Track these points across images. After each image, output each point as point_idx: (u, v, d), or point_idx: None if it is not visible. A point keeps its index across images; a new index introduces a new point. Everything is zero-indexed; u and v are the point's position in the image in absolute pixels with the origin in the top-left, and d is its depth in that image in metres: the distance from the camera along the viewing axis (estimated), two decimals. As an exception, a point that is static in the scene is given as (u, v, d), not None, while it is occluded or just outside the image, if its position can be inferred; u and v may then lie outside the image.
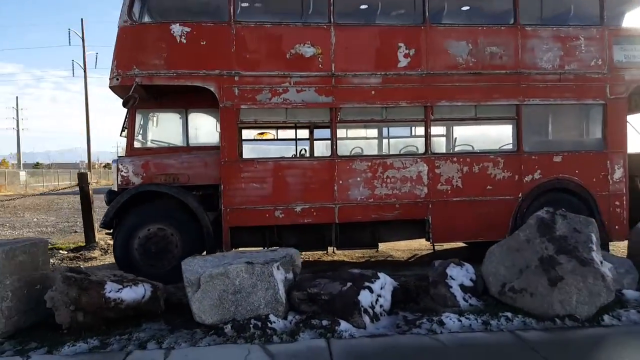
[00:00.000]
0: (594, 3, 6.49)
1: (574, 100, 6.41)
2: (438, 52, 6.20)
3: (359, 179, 6.09)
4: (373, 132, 8.02)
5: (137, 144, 6.62)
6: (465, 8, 6.61)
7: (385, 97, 6.12)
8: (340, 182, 6.05)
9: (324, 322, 4.06)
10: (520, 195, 6.31)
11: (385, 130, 7.71)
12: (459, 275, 4.73)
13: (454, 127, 7.49)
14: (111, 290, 3.97)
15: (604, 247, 6.43)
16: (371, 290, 4.36)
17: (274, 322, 4.02)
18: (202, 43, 5.80)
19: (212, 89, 5.82)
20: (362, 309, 4.16)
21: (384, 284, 4.59)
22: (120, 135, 6.81)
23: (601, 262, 4.49)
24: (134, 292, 4.09)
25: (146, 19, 6.31)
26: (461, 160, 6.28)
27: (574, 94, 6.39)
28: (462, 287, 4.64)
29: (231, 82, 5.85)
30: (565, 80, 6.37)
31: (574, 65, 6.39)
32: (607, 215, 6.42)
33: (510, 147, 6.52)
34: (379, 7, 6.39)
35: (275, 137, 8.20)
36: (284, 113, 6.05)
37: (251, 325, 3.95)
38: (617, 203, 6.48)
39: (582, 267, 4.30)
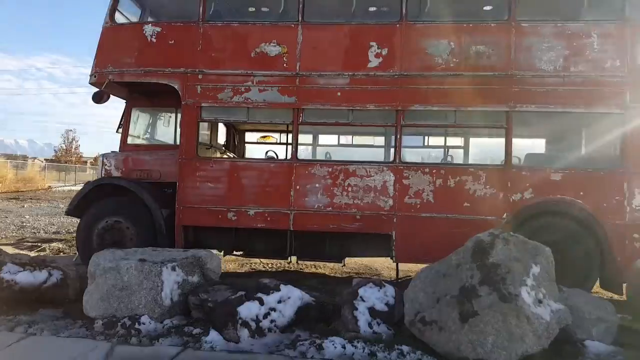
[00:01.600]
0: None
1: (582, 108, 5.35)
2: (414, 52, 5.62)
3: (317, 185, 5.71)
4: (375, 140, 7.54)
5: (131, 140, 6.99)
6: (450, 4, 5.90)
7: (352, 99, 5.69)
8: (298, 187, 5.72)
9: (195, 331, 3.81)
10: (505, 215, 5.40)
11: (383, 138, 7.22)
12: (373, 297, 4.12)
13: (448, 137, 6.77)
14: (7, 271, 4.12)
15: (618, 288, 5.28)
16: (262, 303, 3.98)
17: (144, 324, 3.87)
18: (170, 42, 5.94)
19: (176, 87, 5.91)
20: (241, 321, 3.80)
21: (286, 297, 4.15)
22: (117, 132, 7.25)
23: (540, 301, 3.62)
24: (32, 276, 4.21)
25: (138, 18, 6.65)
26: (434, 171, 5.58)
27: (582, 100, 5.34)
28: (373, 311, 4.03)
29: (195, 80, 5.89)
30: (571, 85, 5.36)
31: (583, 67, 5.35)
32: (622, 249, 5.20)
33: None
34: (353, 4, 6.00)
35: (278, 141, 8.15)
36: (245, 112, 5.92)
37: (119, 324, 3.83)
38: (635, 235, 5.24)
39: (502, 302, 3.50)
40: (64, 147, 49.92)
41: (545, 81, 5.40)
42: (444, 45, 5.57)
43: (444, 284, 3.93)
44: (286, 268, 7.26)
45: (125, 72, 6.02)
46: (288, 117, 5.84)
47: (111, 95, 6.42)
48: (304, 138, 7.00)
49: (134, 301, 4.05)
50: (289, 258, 6.07)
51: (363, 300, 4.08)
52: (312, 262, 7.20)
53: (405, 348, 3.60)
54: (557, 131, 5.82)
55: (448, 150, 6.64)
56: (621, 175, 5.26)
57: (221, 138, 7.79)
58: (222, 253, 6.21)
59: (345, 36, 5.80)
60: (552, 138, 5.87)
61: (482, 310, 3.53)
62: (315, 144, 7.41)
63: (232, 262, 7.33)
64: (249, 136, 8.25)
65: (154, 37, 5.96)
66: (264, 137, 8.47)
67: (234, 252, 6.19)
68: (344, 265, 6.52)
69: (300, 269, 7.21)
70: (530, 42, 5.45)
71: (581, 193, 5.29)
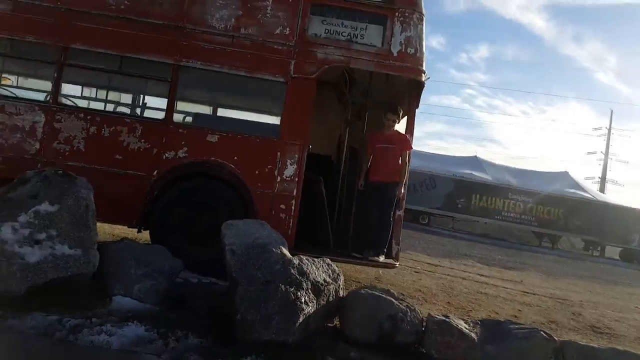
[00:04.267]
0: None
1: (246, 71, 5.23)
2: (82, -14, 5.16)
3: None
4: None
5: None
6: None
7: (11, 29, 5.08)
8: None
9: None
10: (155, 173, 5.11)
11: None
12: None
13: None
14: None
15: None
16: None
17: None
18: None
19: None
20: None
21: None
22: None
23: (37, 242, 3.30)
24: None
25: None
26: (89, 118, 5.15)
27: (247, 64, 5.21)
28: None
29: None
30: (239, 47, 5.22)
31: (253, 30, 5.24)
32: (268, 218, 5.10)
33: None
34: None
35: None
36: None
37: None
38: (282, 206, 5.21)
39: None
40: None
41: (215, 39, 5.21)
42: None
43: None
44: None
45: None
46: None
47: None
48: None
49: None
50: None
51: None
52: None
53: None
54: (226, 92, 5.69)
55: (143, 101, 6.13)
56: (276, 145, 5.21)
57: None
58: None
59: None
60: (221, 99, 5.75)
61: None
62: None
63: None
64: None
65: None
66: None
67: None
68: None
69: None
70: (205, -5, 5.22)
71: (235, 158, 5.17)
